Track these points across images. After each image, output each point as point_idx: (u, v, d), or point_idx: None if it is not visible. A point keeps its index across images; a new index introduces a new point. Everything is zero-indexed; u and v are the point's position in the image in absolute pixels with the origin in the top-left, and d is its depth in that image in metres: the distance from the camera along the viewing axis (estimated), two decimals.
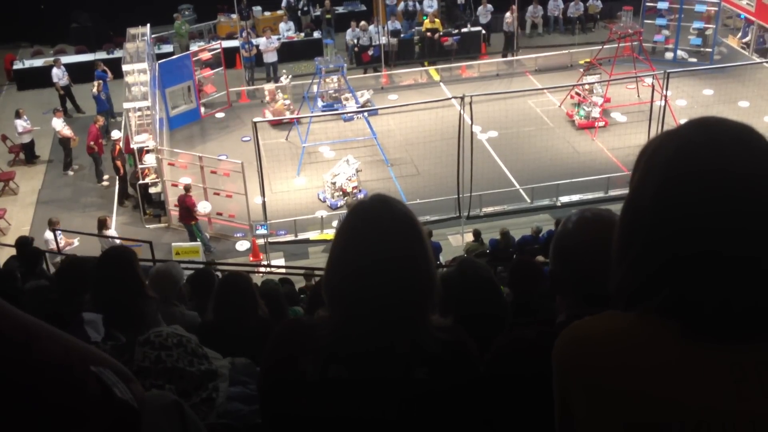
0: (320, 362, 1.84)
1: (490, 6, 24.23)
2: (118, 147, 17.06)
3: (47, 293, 5.44)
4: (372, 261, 1.83)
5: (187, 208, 15.36)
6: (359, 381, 1.82)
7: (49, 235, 13.36)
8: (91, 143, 17.53)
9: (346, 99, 19.77)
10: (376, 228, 1.86)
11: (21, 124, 18.37)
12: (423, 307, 1.90)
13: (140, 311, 4.28)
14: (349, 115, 19.62)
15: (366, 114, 19.31)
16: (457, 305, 3.13)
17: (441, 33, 23.29)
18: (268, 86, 20.82)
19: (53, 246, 13.38)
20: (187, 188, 15.60)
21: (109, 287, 4.25)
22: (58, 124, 18.18)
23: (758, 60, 21.98)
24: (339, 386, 1.83)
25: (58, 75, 20.60)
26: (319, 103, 19.49)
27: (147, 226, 16.42)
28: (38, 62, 23.25)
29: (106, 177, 17.99)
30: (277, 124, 19.69)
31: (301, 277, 12.75)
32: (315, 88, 19.48)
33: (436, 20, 23.44)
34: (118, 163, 16.96)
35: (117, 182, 17.47)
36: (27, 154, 19.02)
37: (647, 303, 1.34)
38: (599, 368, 1.33)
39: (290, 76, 20.83)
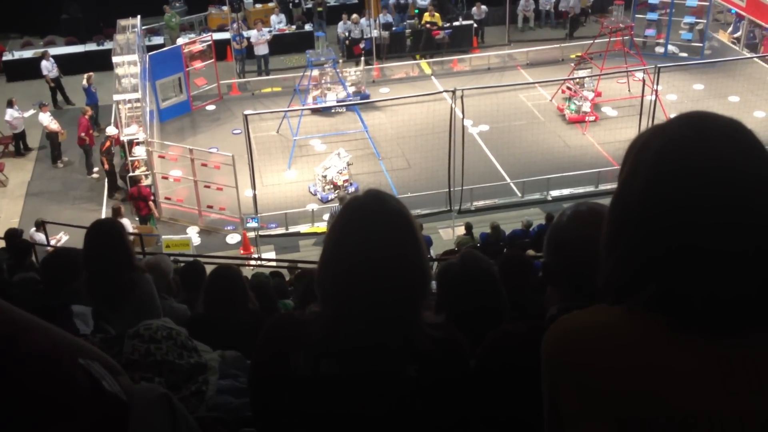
0: (311, 357, 1.84)
1: (484, 7, 24.21)
2: (108, 143, 16.97)
3: (36, 286, 5.41)
4: (364, 257, 1.82)
5: (143, 198, 15.41)
6: (350, 377, 1.82)
7: (37, 235, 13.28)
8: (82, 134, 17.45)
9: (328, 89, 19.65)
10: (369, 224, 1.86)
11: (13, 113, 18.28)
12: (415, 304, 1.89)
13: (131, 283, 4.30)
14: (328, 107, 19.53)
15: (357, 107, 19.29)
16: (456, 297, 3.13)
17: (437, 26, 23.26)
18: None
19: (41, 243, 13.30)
20: (138, 179, 15.84)
21: (98, 258, 4.26)
22: (45, 119, 18.09)
23: (749, 55, 22.06)
24: (329, 382, 1.82)
25: (48, 67, 20.46)
26: (309, 99, 19.49)
27: (137, 218, 16.37)
28: (28, 53, 23.08)
29: (96, 169, 17.90)
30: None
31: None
32: (306, 81, 19.47)
33: (436, 14, 23.39)
34: (104, 158, 16.88)
35: (106, 175, 17.41)
36: (18, 144, 18.90)
37: (635, 297, 1.35)
38: (587, 363, 1.33)
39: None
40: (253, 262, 14.27)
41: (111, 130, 17.23)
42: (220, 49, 21.95)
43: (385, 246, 1.83)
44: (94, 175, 17.89)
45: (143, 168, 16.25)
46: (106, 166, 16.98)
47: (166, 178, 16.88)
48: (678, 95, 20.39)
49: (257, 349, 2.00)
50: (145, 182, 16.05)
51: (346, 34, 22.99)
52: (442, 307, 3.15)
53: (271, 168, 17.55)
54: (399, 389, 1.82)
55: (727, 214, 1.27)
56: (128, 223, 14.69)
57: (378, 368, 1.82)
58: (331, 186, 16.75)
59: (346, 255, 1.86)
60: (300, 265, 12.44)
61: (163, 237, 14.94)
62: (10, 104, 18.34)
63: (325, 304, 1.89)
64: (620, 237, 1.39)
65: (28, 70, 22.17)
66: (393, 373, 1.83)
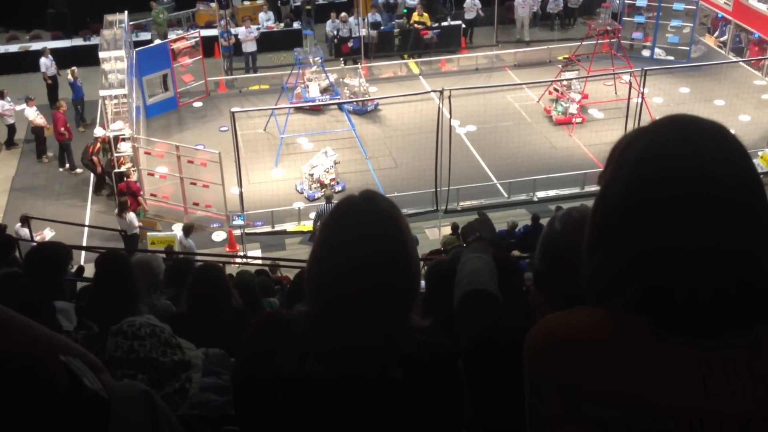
0: (297, 357, 1.83)
1: (477, 1, 24.18)
2: (99, 145, 16.83)
3: (18, 280, 5.37)
4: (353, 257, 1.82)
5: (133, 194, 15.37)
6: (335, 377, 1.82)
7: (22, 231, 13.20)
8: (61, 129, 17.33)
9: (309, 80, 19.62)
10: (358, 224, 1.85)
11: (4, 104, 18.12)
12: (402, 306, 1.89)
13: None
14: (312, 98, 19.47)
15: (345, 106, 19.27)
16: (445, 298, 3.12)
17: (425, 26, 23.24)
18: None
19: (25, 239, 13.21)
20: (128, 174, 15.79)
21: (107, 292, 4.19)
22: (31, 113, 17.95)
23: (734, 59, 22.19)
24: (314, 381, 1.82)
25: (46, 64, 20.12)
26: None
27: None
28: (13, 47, 22.92)
29: (79, 170, 17.79)
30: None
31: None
32: (293, 79, 19.44)
33: (425, 14, 23.38)
34: (95, 159, 16.78)
35: (93, 174, 17.30)
36: (9, 137, 18.75)
37: (616, 298, 1.36)
38: (568, 364, 1.34)
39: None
40: (238, 260, 14.23)
41: (98, 131, 17.08)
42: (207, 46, 21.88)
43: (373, 247, 1.83)
44: (78, 171, 17.77)
45: (129, 164, 16.15)
46: (99, 169, 16.85)
47: (152, 174, 16.81)
48: (664, 98, 20.51)
49: (243, 346, 1.99)
50: (133, 177, 15.98)
51: (335, 32, 22.95)
52: (430, 307, 3.14)
53: (257, 166, 17.51)
54: (383, 392, 1.82)
55: (707, 214, 1.28)
56: (134, 218, 14.63)
57: (363, 370, 1.82)
58: (318, 184, 16.74)
59: (333, 253, 1.86)
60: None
61: (149, 234, 14.88)
62: (1, 95, 18.19)
63: (312, 303, 1.89)
64: (603, 238, 1.39)
65: (14, 64, 22.01)
66: (378, 375, 1.83)
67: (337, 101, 19.37)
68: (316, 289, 1.88)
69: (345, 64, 22.52)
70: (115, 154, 16.08)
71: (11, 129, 18.71)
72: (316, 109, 19.66)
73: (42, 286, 4.55)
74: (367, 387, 1.82)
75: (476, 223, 2.71)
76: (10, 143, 18.87)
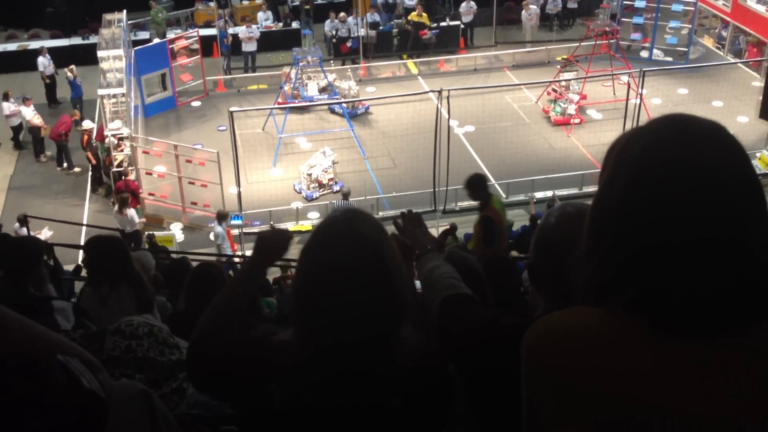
0: (289, 390, 1.79)
1: (473, 4, 24.12)
2: (86, 137, 16.82)
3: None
4: (334, 284, 1.77)
5: (131, 192, 15.36)
6: (330, 410, 1.78)
7: (21, 231, 13.19)
8: (61, 131, 17.30)
9: (309, 78, 19.60)
10: (339, 251, 1.80)
11: (10, 106, 18.09)
12: (389, 329, 1.84)
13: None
14: (310, 98, 19.40)
15: (344, 106, 19.26)
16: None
17: (422, 26, 23.22)
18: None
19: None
20: (126, 173, 15.72)
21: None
22: (28, 113, 17.92)
23: (733, 60, 22.21)
24: (310, 415, 1.78)
25: (44, 64, 20.07)
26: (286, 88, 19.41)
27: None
28: (12, 46, 22.89)
29: (77, 169, 17.78)
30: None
31: (276, 269, 12.69)
32: (291, 78, 19.41)
33: (424, 15, 23.35)
34: (89, 153, 16.77)
35: (90, 170, 17.29)
36: (14, 137, 18.71)
37: (615, 298, 1.36)
38: (565, 364, 1.33)
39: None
40: (236, 260, 14.22)
41: (87, 124, 17.11)
42: (206, 45, 21.87)
43: (354, 273, 1.77)
44: (77, 170, 17.76)
45: (122, 158, 16.09)
46: (93, 161, 16.86)
47: (150, 173, 16.80)
48: (662, 99, 20.49)
49: (230, 376, 1.91)
50: (131, 176, 15.96)
51: (333, 32, 22.95)
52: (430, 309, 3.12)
53: (256, 165, 17.50)
54: (382, 421, 1.79)
55: (705, 210, 1.28)
56: (135, 214, 14.61)
57: (359, 400, 1.78)
58: (316, 184, 16.74)
59: (314, 281, 1.81)
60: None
61: (146, 233, 14.87)
62: (5, 97, 18.10)
63: (296, 331, 1.85)
64: (601, 237, 1.39)
65: (12, 63, 21.98)
66: (375, 404, 1.79)
67: (328, 102, 19.33)
68: (300, 319, 1.84)
69: (343, 63, 22.52)
70: (114, 154, 16.05)
71: (17, 130, 18.65)
72: (302, 108, 19.64)
73: (21, 278, 4.50)
74: (366, 418, 1.78)
75: (417, 232, 2.58)
76: (17, 143, 18.79)
